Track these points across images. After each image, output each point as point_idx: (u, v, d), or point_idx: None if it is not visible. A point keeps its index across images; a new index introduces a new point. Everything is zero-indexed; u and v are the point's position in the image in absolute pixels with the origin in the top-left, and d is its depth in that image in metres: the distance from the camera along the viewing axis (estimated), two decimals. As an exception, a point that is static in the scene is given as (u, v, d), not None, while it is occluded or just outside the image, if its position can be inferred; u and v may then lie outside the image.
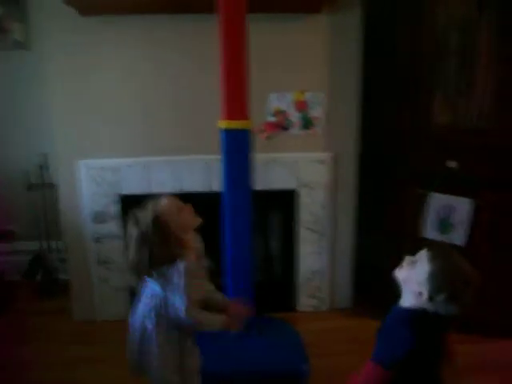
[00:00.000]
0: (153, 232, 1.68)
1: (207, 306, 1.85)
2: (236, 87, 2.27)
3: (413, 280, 1.54)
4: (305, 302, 3.13)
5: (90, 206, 2.84)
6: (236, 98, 2.29)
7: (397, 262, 2.89)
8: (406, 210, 2.78)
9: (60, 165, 2.82)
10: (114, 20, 2.60)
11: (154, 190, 2.78)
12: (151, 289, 1.77)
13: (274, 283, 3.19)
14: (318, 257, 3.05)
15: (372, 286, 3.05)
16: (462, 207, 2.67)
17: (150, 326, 1.75)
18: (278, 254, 3.17)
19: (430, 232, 2.74)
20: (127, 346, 1.82)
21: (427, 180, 2.67)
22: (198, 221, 1.82)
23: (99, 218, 2.85)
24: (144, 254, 1.68)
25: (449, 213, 2.69)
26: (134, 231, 1.70)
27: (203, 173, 2.83)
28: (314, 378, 2.42)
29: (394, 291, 2.99)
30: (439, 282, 1.48)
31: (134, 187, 2.81)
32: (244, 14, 2.21)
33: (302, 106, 2.79)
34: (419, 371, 1.55)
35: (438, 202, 2.69)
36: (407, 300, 1.59)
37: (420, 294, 1.52)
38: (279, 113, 2.79)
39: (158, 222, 1.69)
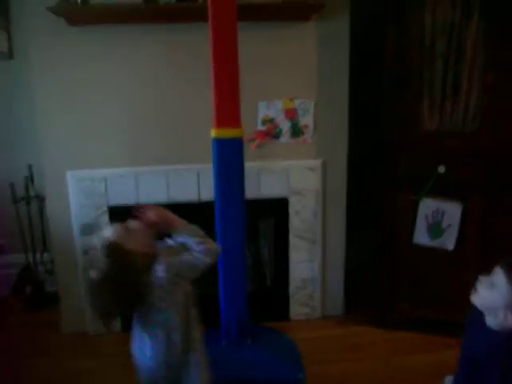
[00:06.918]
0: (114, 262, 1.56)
1: None
2: (228, 95, 2.26)
3: (494, 304, 1.48)
4: (297, 310, 3.11)
5: (79, 217, 2.79)
6: (228, 106, 2.27)
7: (387, 269, 2.88)
8: (397, 216, 2.78)
9: (47, 176, 2.77)
10: (101, 30, 2.57)
11: (143, 200, 2.75)
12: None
13: (266, 292, 3.17)
14: (310, 264, 3.03)
15: (363, 292, 3.05)
16: (452, 211, 2.68)
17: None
18: (270, 263, 3.15)
19: (421, 237, 2.75)
20: None
21: (417, 186, 2.69)
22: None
23: (88, 229, 2.81)
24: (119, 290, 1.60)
25: (439, 217, 2.71)
26: (94, 274, 1.57)
27: (192, 182, 2.82)
28: (310, 387, 2.42)
29: (385, 298, 2.98)
30: None
31: (122, 198, 2.77)
32: (235, 22, 2.21)
33: (291, 114, 2.78)
34: None
35: (428, 207, 2.71)
36: (492, 322, 1.52)
37: (506, 316, 1.47)
38: (269, 121, 2.78)
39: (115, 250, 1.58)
